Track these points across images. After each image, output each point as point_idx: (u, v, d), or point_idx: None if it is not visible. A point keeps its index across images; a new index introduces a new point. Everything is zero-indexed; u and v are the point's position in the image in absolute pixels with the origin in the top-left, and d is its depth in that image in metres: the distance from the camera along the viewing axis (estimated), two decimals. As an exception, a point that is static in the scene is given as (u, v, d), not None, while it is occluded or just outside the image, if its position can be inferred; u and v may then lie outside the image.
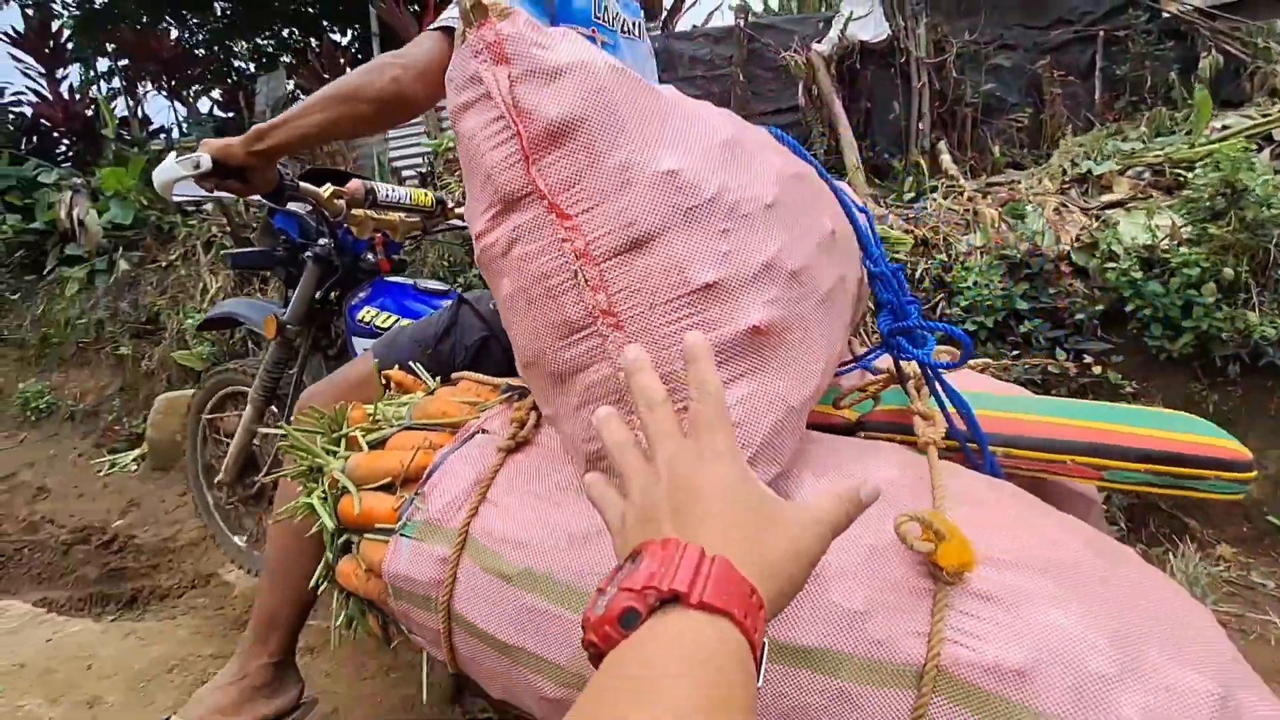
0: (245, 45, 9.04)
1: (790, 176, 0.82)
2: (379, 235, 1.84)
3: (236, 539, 2.51)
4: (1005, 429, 0.90)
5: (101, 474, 4.02)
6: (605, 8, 1.35)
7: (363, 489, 1.01)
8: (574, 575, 0.79)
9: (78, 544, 3.40)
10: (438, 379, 1.24)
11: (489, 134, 0.74)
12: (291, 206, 1.74)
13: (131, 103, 6.84)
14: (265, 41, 9.35)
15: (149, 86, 7.36)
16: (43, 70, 7.91)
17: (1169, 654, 0.61)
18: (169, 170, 1.35)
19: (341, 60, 6.48)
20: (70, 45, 8.13)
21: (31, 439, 4.66)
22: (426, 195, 1.82)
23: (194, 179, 1.31)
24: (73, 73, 8.33)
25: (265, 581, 1.29)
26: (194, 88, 7.14)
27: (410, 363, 1.29)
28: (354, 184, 1.64)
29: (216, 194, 1.39)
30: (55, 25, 8.11)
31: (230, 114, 6.61)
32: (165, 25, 8.57)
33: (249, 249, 2.16)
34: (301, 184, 1.53)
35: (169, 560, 3.18)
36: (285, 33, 9.26)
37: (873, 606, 0.67)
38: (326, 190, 1.58)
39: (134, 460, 4.06)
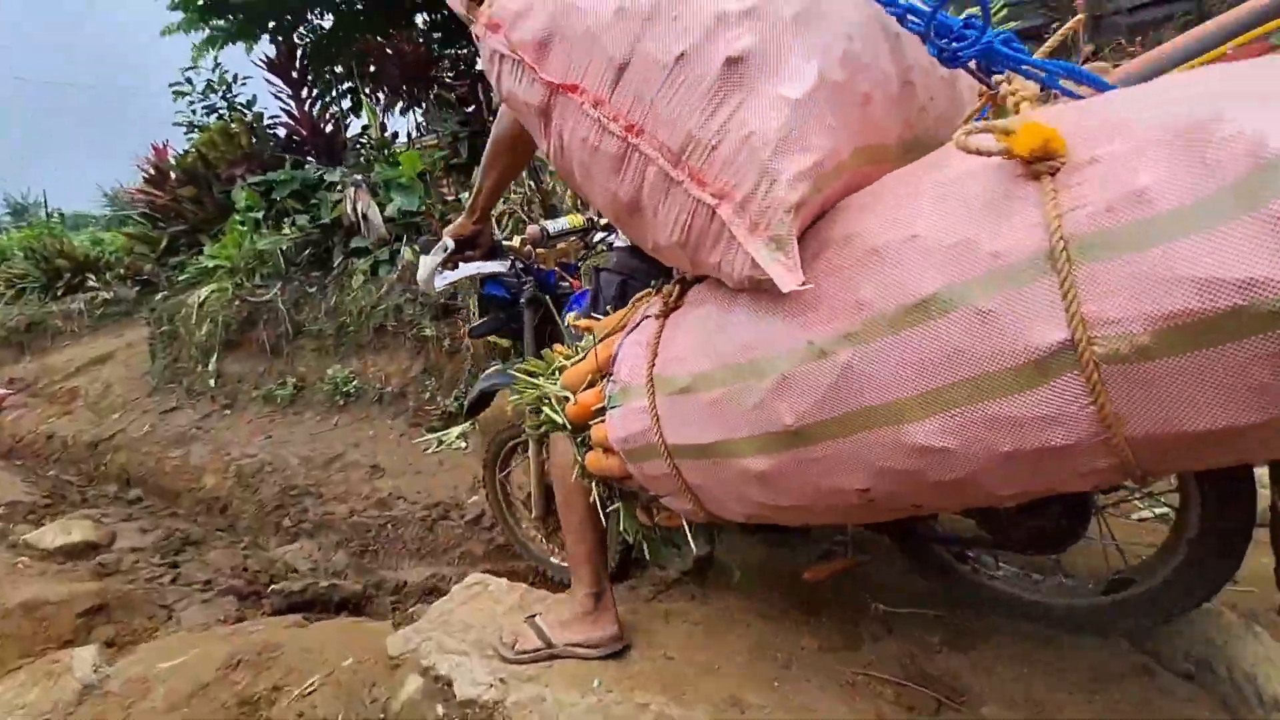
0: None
1: None
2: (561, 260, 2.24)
3: (557, 560, 2.47)
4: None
5: (429, 451, 3.98)
6: None
7: (577, 392, 1.36)
8: (730, 358, 0.97)
9: (440, 520, 3.29)
10: None
11: (515, 78, 1.07)
12: (491, 267, 2.05)
13: (373, 111, 7.11)
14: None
15: (385, 93, 7.74)
16: (290, 92, 8.60)
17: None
18: (427, 265, 1.92)
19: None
20: (309, 66, 8.76)
21: (343, 422, 4.80)
22: (579, 218, 2.18)
23: (444, 263, 1.89)
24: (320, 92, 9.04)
25: (566, 533, 1.65)
26: (432, 91, 7.40)
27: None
28: (530, 230, 2.05)
29: (462, 273, 1.99)
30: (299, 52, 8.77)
31: (470, 108, 6.71)
32: (399, 30, 9.07)
33: (483, 321, 2.42)
34: (503, 242, 2.05)
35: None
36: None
37: (976, 232, 0.71)
38: (517, 240, 2.06)
39: (458, 437, 3.98)
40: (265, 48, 9.51)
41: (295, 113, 8.43)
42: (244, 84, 9.25)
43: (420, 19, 9.12)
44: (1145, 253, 0.59)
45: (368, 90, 8.06)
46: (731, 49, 0.86)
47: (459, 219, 1.88)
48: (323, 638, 1.93)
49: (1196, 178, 0.58)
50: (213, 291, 6.19)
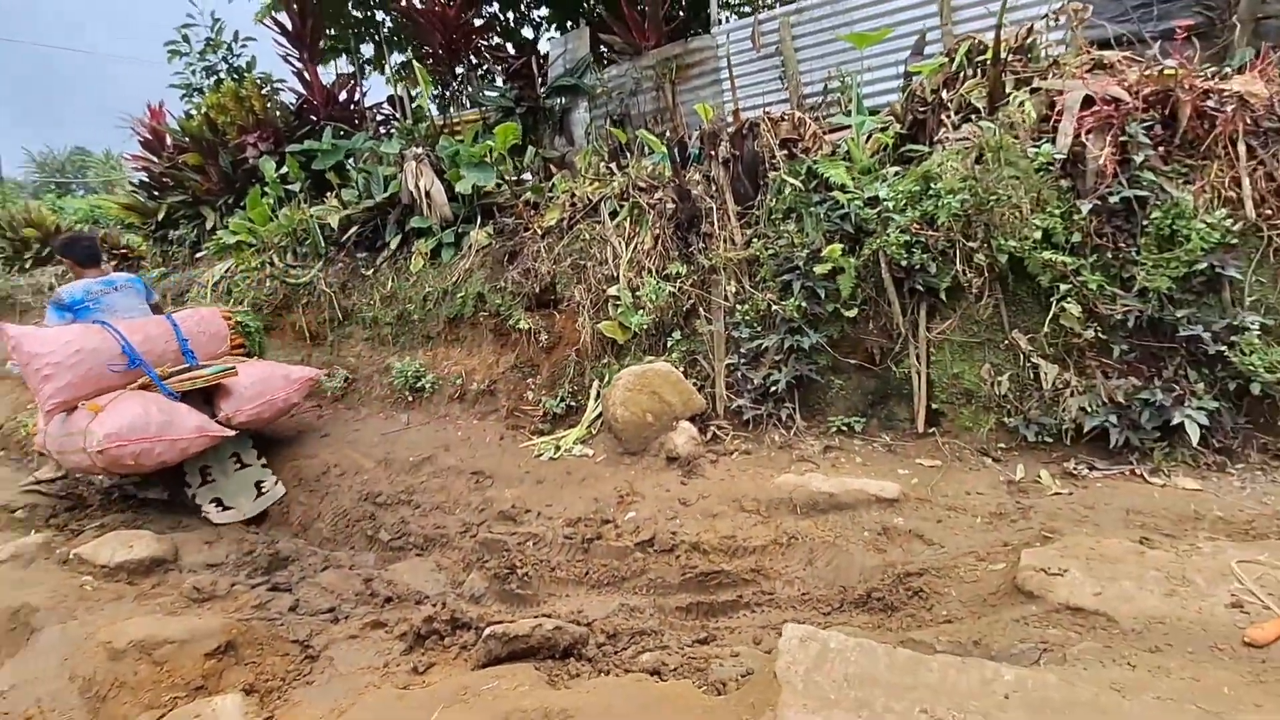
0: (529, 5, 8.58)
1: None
2: None
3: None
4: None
5: (543, 458, 3.60)
6: (97, 299, 3.78)
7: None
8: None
9: (594, 539, 2.93)
10: None
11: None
12: None
13: (426, 79, 6.55)
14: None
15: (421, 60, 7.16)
16: (299, 54, 7.91)
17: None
18: None
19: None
20: (318, 28, 8.09)
21: (416, 420, 4.33)
22: None
23: None
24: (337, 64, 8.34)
25: None
26: (482, 67, 6.86)
27: None
28: None
29: None
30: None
31: (520, 84, 6.26)
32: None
33: None
34: None
35: (749, 565, 2.64)
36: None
37: None
38: None
39: (575, 441, 3.61)
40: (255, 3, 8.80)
41: (307, 76, 7.76)
42: (244, 45, 8.50)
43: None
44: None
45: (385, 56, 7.42)
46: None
47: None
48: (623, 705, 1.57)
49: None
50: (240, 269, 5.57)
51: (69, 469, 3.81)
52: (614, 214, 4.16)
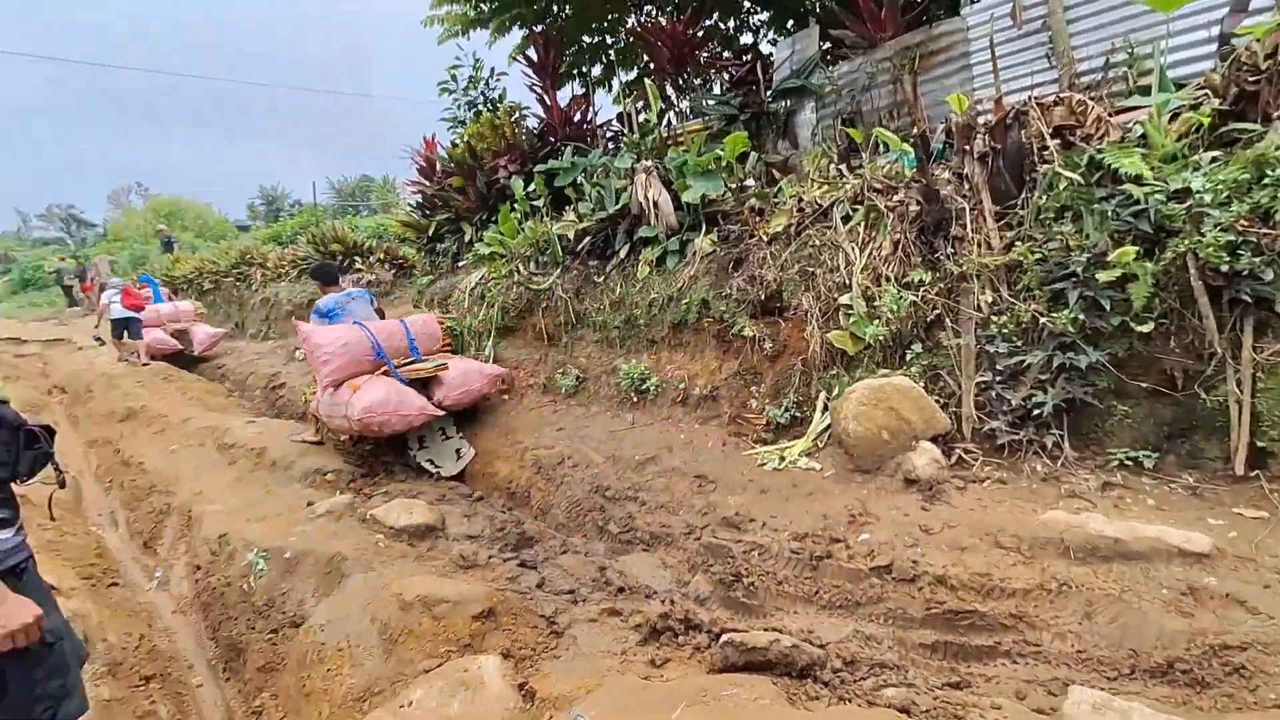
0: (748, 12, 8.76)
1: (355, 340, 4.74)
2: None
3: None
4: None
5: (766, 467, 3.56)
6: (344, 307, 5.10)
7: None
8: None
9: (823, 558, 2.82)
10: None
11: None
12: None
13: (656, 94, 6.88)
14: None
15: (651, 76, 7.60)
16: (542, 82, 8.76)
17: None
18: None
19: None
20: (555, 55, 8.86)
21: (641, 420, 4.55)
22: None
23: None
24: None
25: None
26: (707, 76, 7.12)
27: None
28: None
29: None
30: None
31: (743, 90, 6.30)
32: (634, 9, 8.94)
33: None
34: None
35: (1007, 609, 2.36)
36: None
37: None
38: None
39: (801, 453, 3.52)
40: (512, 41, 9.93)
41: (548, 101, 8.58)
42: (499, 80, 9.63)
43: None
44: None
45: (619, 74, 7.95)
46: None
47: None
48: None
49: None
50: (492, 277, 6.31)
51: (332, 430, 5.08)
52: (846, 218, 3.98)
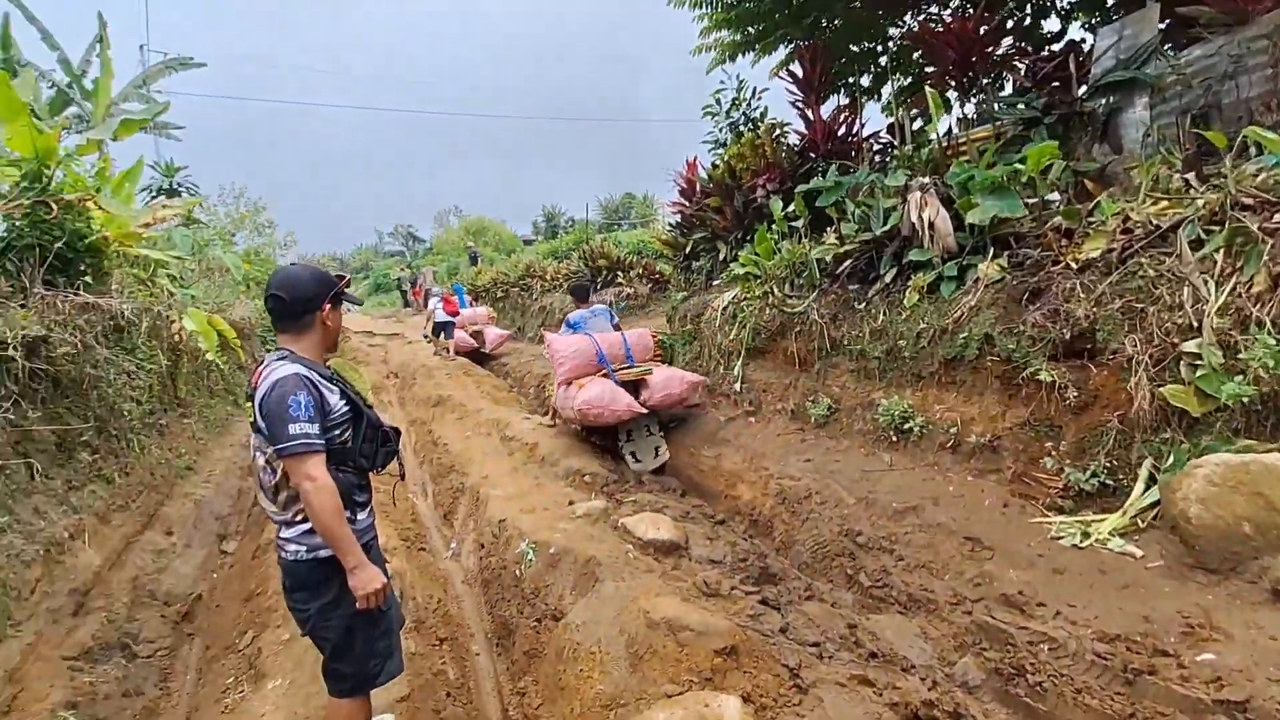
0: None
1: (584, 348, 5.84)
2: None
3: None
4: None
5: (1062, 541, 2.99)
6: (586, 320, 6.21)
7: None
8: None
9: (1144, 673, 2.25)
10: None
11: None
12: None
13: (939, 103, 6.31)
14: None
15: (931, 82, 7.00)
16: (805, 98, 8.58)
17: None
18: None
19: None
20: (822, 68, 8.58)
21: (900, 463, 4.16)
22: None
23: None
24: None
25: None
26: (999, 74, 6.37)
27: None
28: None
29: None
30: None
31: (1049, 87, 5.45)
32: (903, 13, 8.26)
33: None
34: None
35: None
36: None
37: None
38: None
39: (1114, 532, 2.88)
40: (775, 57, 9.90)
41: (810, 117, 8.38)
42: (759, 98, 9.69)
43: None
44: None
45: (891, 81, 7.43)
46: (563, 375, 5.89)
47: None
48: None
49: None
50: (744, 297, 6.34)
51: (563, 419, 6.13)
52: (1197, 243, 3.18)
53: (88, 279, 5.33)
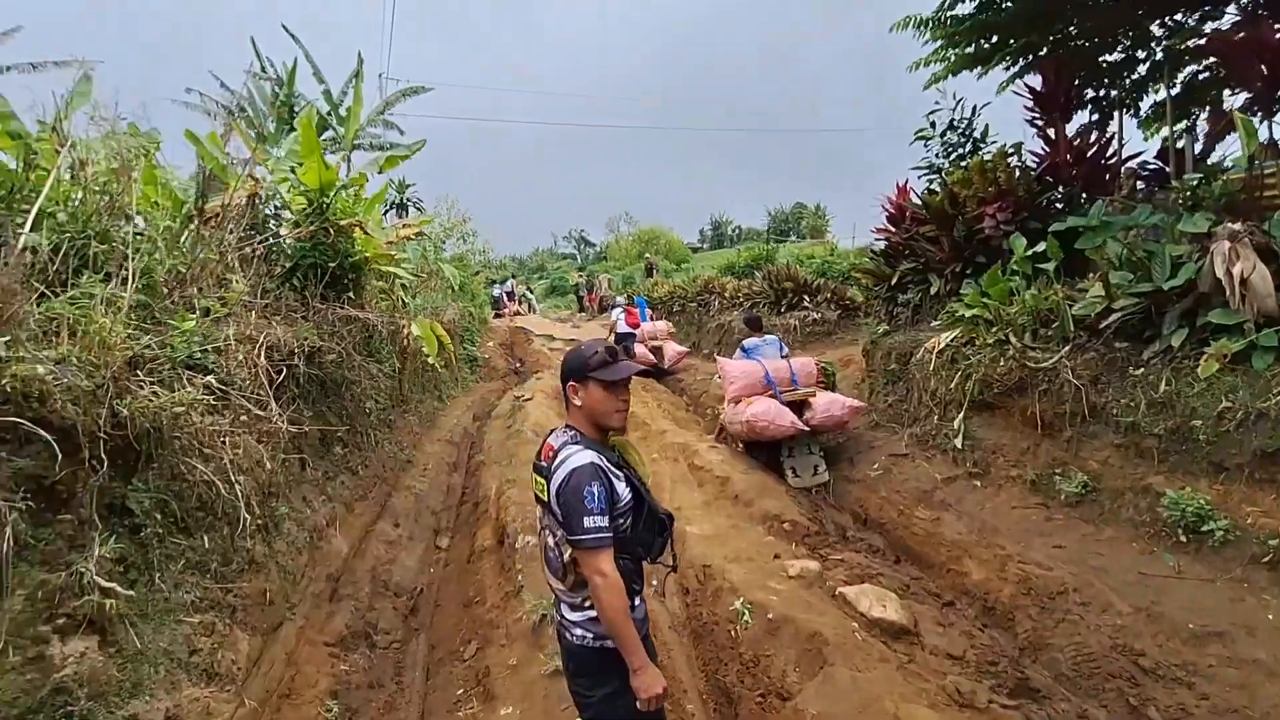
0: None
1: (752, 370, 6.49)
2: None
3: None
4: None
5: None
6: (759, 347, 6.76)
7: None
8: None
9: None
10: None
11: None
12: None
13: (1248, 127, 5.28)
14: None
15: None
16: (1045, 116, 7.64)
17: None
18: None
19: None
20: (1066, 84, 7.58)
21: (1191, 570, 3.46)
22: None
23: None
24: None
25: None
26: None
27: None
28: None
29: None
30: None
31: None
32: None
33: None
34: None
35: None
36: None
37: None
38: None
39: None
40: (997, 73, 8.91)
41: (1053, 136, 7.44)
42: (980, 115, 8.80)
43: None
44: None
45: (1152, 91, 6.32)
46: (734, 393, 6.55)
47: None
48: None
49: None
50: (966, 341, 5.73)
51: (731, 434, 6.68)
52: None
53: (350, 294, 6.05)
